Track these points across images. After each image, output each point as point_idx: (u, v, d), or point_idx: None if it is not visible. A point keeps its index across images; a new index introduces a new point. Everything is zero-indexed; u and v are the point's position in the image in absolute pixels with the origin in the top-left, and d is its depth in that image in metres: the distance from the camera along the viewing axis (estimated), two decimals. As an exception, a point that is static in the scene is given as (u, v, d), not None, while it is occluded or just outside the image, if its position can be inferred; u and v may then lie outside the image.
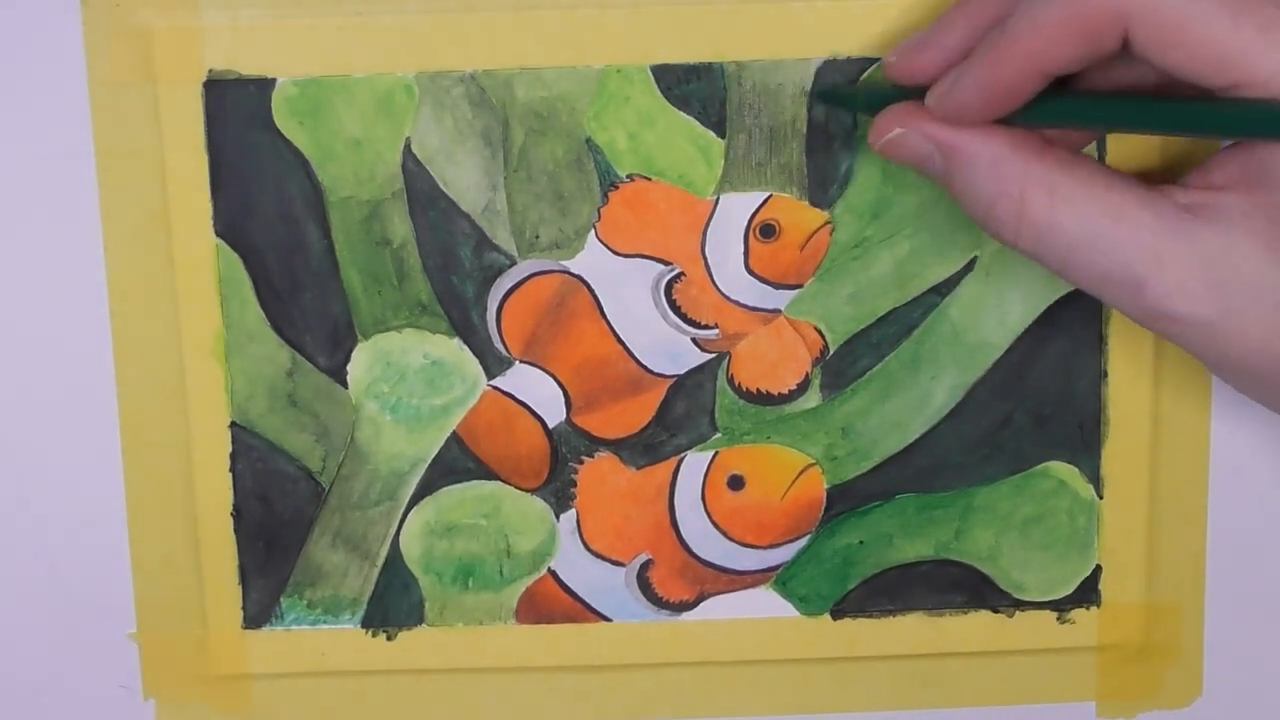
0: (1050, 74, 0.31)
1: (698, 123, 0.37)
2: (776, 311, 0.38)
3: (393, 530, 0.39)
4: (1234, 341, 0.31)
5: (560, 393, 0.39)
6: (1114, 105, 0.32)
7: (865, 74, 0.37)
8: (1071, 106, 0.33)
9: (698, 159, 0.38)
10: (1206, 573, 0.40)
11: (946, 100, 0.32)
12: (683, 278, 0.38)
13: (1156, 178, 0.34)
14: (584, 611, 0.40)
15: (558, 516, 0.39)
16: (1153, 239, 0.31)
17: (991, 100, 0.32)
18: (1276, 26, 0.29)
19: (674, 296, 0.38)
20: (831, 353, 0.39)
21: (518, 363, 0.39)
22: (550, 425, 0.39)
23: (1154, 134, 0.35)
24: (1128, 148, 0.37)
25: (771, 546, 0.40)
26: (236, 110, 0.37)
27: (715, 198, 0.38)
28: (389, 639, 0.40)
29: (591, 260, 0.38)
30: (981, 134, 0.32)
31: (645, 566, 0.40)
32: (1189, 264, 0.31)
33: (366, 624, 0.40)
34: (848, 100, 0.37)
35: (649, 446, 0.39)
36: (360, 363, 0.39)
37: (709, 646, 0.40)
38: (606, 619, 0.40)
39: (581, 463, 0.39)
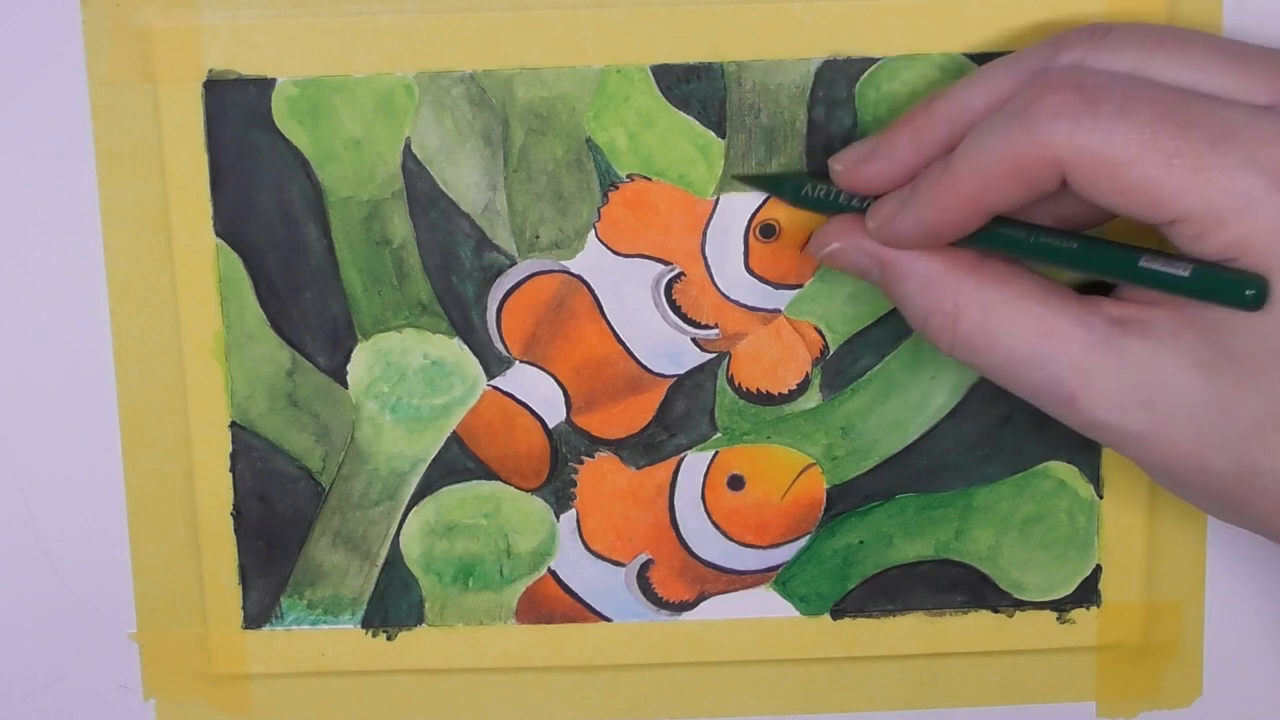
0: (990, 213, 0.32)
1: (698, 123, 0.37)
2: (776, 311, 0.38)
3: (393, 530, 0.39)
4: (1163, 452, 0.32)
5: (560, 392, 0.39)
6: (1052, 243, 0.33)
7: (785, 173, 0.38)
8: (1008, 239, 0.33)
9: (698, 159, 0.38)
10: (1206, 573, 0.40)
11: (886, 229, 0.33)
12: (683, 278, 0.38)
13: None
14: (584, 611, 0.40)
15: (558, 516, 0.39)
16: (1083, 353, 0.32)
17: (931, 235, 0.33)
18: (1209, 167, 0.29)
19: (674, 296, 0.38)
20: (831, 353, 0.39)
21: (518, 363, 0.39)
22: (550, 425, 0.39)
23: (1086, 274, 0.35)
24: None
25: (771, 546, 0.40)
26: (236, 110, 0.37)
27: (715, 197, 0.38)
28: (389, 639, 0.40)
29: (591, 260, 0.38)
30: (917, 251, 0.33)
31: (645, 566, 0.40)
32: (1117, 378, 0.31)
33: (366, 624, 0.40)
34: (766, 185, 0.37)
35: (649, 446, 0.39)
36: (360, 363, 0.39)
37: (709, 647, 0.40)
38: (606, 619, 0.40)
39: (581, 463, 0.39)
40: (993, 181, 0.31)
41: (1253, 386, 0.30)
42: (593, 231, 0.38)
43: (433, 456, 0.39)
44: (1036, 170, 0.31)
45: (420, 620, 0.40)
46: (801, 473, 0.39)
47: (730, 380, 0.39)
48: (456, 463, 0.39)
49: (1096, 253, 0.33)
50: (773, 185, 0.37)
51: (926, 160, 0.33)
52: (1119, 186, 0.30)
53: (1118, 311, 0.32)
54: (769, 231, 0.38)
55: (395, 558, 0.40)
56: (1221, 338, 0.31)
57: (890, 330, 0.39)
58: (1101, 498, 0.39)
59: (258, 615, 0.40)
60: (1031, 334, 0.32)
